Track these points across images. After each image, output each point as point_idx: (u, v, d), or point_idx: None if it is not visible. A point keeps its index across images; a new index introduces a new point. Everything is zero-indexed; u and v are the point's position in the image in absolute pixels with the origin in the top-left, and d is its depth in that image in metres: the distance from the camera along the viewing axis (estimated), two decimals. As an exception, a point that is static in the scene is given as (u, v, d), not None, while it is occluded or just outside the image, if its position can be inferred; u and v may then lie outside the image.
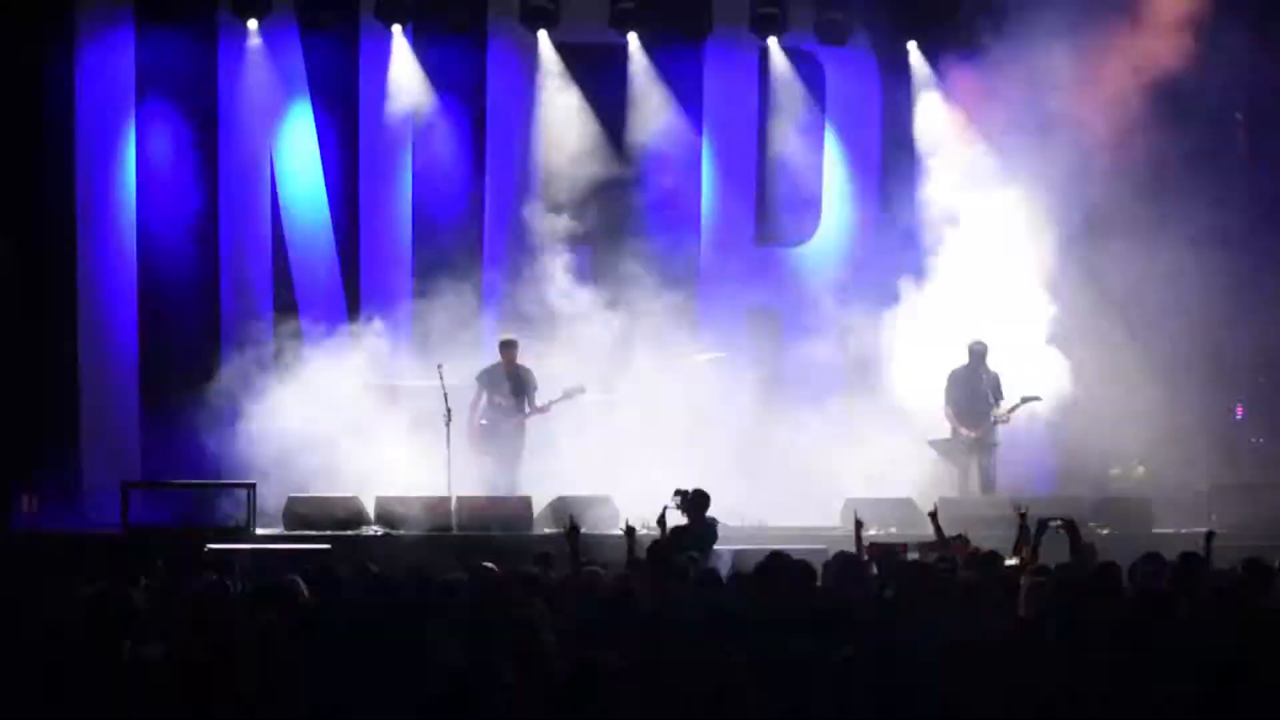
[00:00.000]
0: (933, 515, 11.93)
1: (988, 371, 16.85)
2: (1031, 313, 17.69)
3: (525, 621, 7.27)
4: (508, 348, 16.93)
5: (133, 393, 17.49)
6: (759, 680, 6.60)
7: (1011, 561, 10.70)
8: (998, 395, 16.75)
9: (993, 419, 16.68)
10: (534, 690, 6.47)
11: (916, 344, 17.83)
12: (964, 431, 16.76)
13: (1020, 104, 17.72)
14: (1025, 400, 16.74)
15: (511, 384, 16.81)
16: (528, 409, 16.85)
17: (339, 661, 6.42)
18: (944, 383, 17.01)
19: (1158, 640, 7.29)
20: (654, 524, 13.06)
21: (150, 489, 16.80)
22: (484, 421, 16.77)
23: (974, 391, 16.73)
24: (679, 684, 6.40)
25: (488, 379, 16.86)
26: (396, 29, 17.97)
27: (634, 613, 7.75)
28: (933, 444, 17.06)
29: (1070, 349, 17.62)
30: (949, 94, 18.55)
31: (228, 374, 17.47)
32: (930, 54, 18.69)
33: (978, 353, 16.84)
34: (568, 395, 16.74)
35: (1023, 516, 11.24)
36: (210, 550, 14.04)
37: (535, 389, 16.90)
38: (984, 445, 16.83)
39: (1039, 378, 17.22)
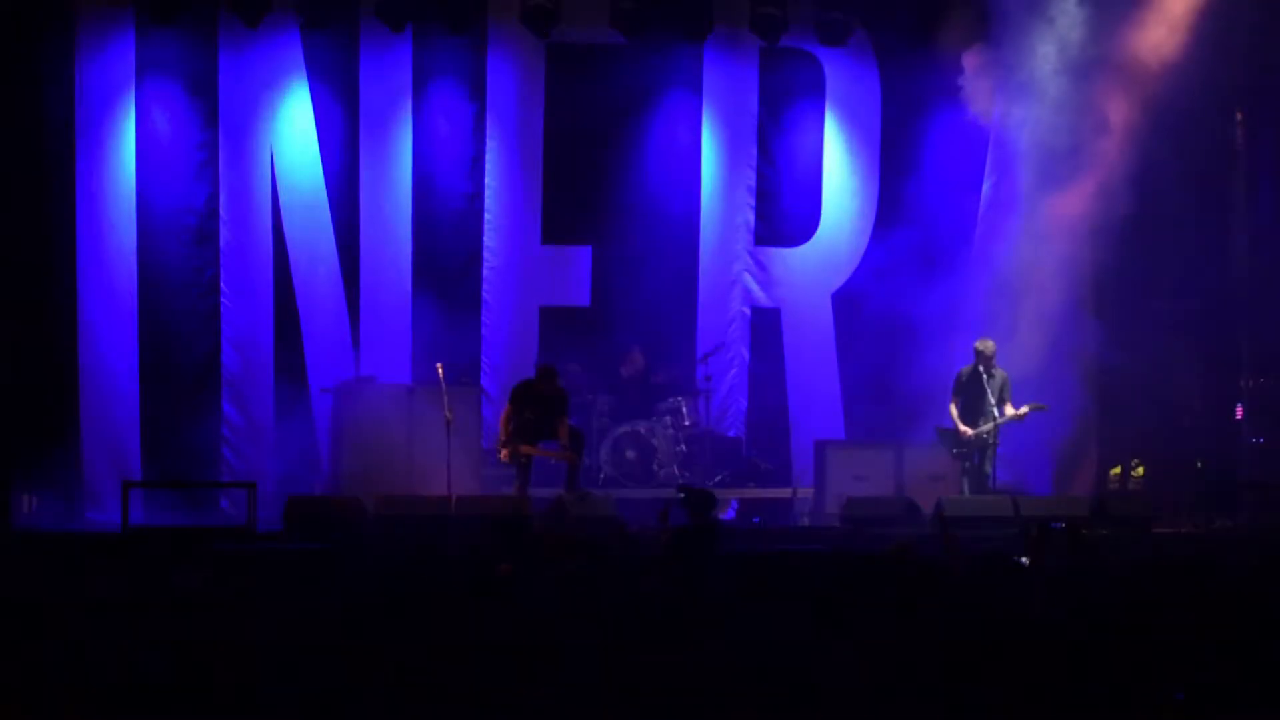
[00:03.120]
0: (941, 518, 11.88)
1: (995, 372, 16.76)
2: (1030, 313, 17.69)
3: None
4: (547, 376, 15.99)
5: (133, 393, 17.46)
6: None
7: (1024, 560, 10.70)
8: (1003, 397, 16.68)
9: (996, 422, 16.58)
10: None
11: (917, 343, 17.84)
12: (964, 431, 16.76)
13: (1020, 102, 17.73)
14: (1034, 408, 16.62)
15: (544, 405, 15.90)
16: (559, 433, 15.89)
17: (338, 659, 6.44)
18: (952, 382, 17.02)
19: (1157, 639, 7.33)
20: (655, 520, 13.11)
21: (150, 489, 16.82)
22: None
23: (979, 392, 16.69)
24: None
25: (518, 395, 15.99)
26: (397, 29, 17.94)
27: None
28: (939, 431, 17.00)
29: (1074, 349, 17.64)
30: (949, 92, 18.53)
31: (228, 373, 17.51)
32: (930, 53, 18.65)
33: (983, 353, 16.80)
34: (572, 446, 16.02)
35: (1020, 524, 11.26)
36: (210, 550, 14.04)
37: (565, 410, 16.04)
38: (984, 445, 16.79)
39: (1041, 378, 17.22)
